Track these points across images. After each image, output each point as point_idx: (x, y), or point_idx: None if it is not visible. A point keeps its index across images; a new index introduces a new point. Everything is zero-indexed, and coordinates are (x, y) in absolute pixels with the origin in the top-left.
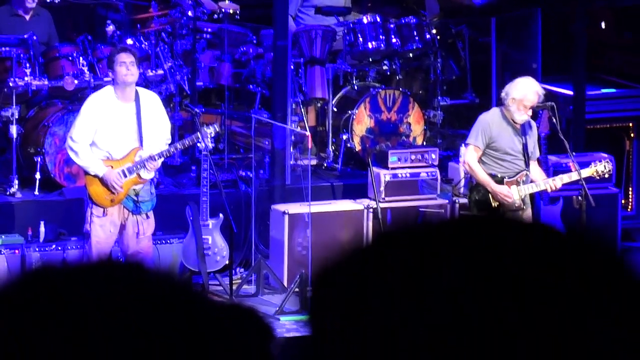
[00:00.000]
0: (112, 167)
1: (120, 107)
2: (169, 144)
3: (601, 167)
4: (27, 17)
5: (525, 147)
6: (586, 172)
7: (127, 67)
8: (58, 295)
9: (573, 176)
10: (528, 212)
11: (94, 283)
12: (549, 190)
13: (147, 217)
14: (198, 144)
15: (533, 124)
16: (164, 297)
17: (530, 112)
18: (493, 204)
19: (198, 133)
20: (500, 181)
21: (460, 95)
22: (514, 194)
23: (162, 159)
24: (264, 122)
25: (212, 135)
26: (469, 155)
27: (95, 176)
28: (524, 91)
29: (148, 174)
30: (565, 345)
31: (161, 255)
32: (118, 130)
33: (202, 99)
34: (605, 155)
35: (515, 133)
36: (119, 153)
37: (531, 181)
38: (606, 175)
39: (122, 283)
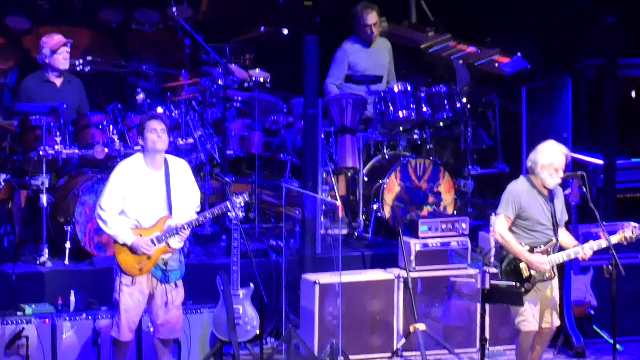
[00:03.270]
0: (140, 235)
1: (150, 175)
2: (199, 213)
3: (629, 232)
4: (59, 84)
5: (554, 214)
6: (615, 239)
7: (158, 134)
8: None
9: (603, 243)
10: (555, 281)
11: None
12: (580, 259)
13: (176, 286)
14: (229, 214)
15: (559, 189)
16: None
17: (561, 175)
18: (524, 275)
19: (228, 202)
20: (531, 251)
21: (491, 164)
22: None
23: (191, 228)
24: (295, 191)
25: (242, 204)
26: (500, 226)
27: (125, 245)
28: (551, 155)
29: (177, 244)
30: None
31: (192, 325)
32: (147, 199)
33: (233, 168)
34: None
35: (544, 201)
36: (148, 222)
37: (561, 248)
38: (634, 240)
39: None
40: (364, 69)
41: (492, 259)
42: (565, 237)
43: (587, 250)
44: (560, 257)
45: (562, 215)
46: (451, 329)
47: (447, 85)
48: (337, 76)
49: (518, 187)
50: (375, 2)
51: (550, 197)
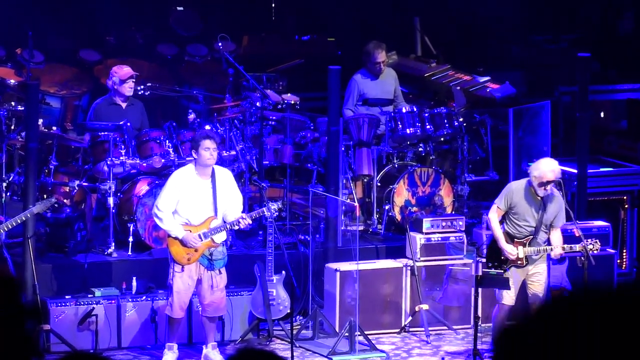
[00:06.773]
0: (190, 231)
1: (199, 182)
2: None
3: (590, 246)
4: (124, 106)
5: (541, 217)
6: (577, 248)
7: (210, 152)
8: None
9: (568, 249)
10: (542, 267)
11: None
12: (552, 256)
13: (220, 272)
14: (265, 213)
15: (557, 195)
16: None
17: (548, 187)
18: (502, 257)
19: (264, 208)
20: (511, 239)
21: (483, 173)
22: (519, 253)
23: (236, 227)
24: (320, 194)
25: (277, 209)
26: (491, 213)
27: (176, 238)
28: (543, 170)
29: (221, 238)
30: None
31: (233, 305)
32: (196, 201)
33: (268, 175)
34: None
35: (535, 204)
36: (197, 220)
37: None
38: (594, 251)
39: None
40: (373, 95)
41: (484, 251)
42: (555, 237)
43: (556, 250)
44: (532, 250)
45: (556, 219)
46: (449, 309)
47: (446, 107)
48: (351, 103)
49: (514, 186)
50: (386, 39)
51: (544, 201)
